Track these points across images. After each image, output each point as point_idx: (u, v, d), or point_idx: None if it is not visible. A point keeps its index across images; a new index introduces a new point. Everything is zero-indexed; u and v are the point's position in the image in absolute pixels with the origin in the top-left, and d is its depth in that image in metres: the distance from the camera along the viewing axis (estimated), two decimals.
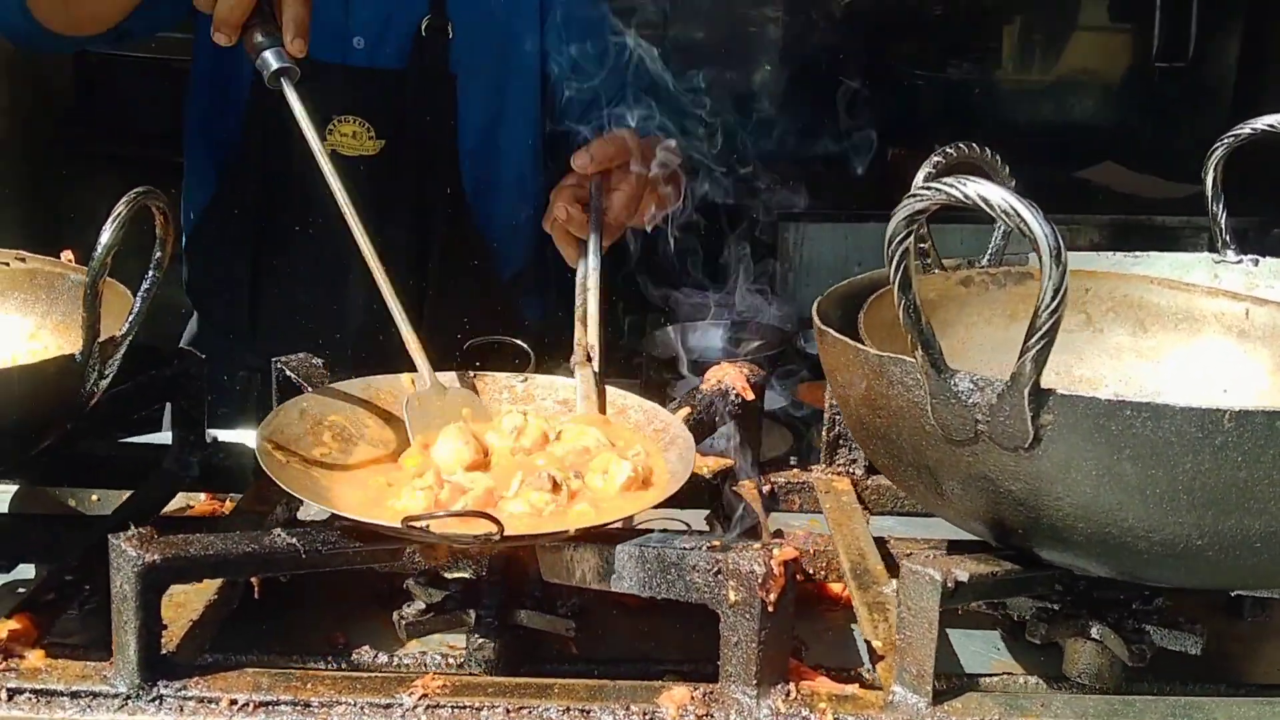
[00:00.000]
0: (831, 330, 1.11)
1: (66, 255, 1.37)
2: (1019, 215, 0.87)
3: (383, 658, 1.18)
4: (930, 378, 0.96)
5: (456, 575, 1.18)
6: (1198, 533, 0.93)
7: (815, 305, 1.21)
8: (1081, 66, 4.83)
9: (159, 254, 1.17)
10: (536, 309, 2.23)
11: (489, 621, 1.14)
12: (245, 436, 1.64)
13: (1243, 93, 4.54)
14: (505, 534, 1.03)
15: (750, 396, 1.36)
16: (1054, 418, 0.92)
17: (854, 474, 1.44)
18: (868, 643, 1.12)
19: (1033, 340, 0.89)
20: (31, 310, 1.36)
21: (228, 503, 1.52)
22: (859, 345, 1.05)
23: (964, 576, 0.99)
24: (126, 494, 1.56)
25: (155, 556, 0.95)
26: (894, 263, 0.94)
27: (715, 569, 1.00)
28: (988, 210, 0.88)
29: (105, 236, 1.06)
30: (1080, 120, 4.71)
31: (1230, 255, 1.39)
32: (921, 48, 4.69)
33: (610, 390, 1.34)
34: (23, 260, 1.37)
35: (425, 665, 1.18)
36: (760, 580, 0.97)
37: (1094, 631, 1.15)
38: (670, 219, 2.19)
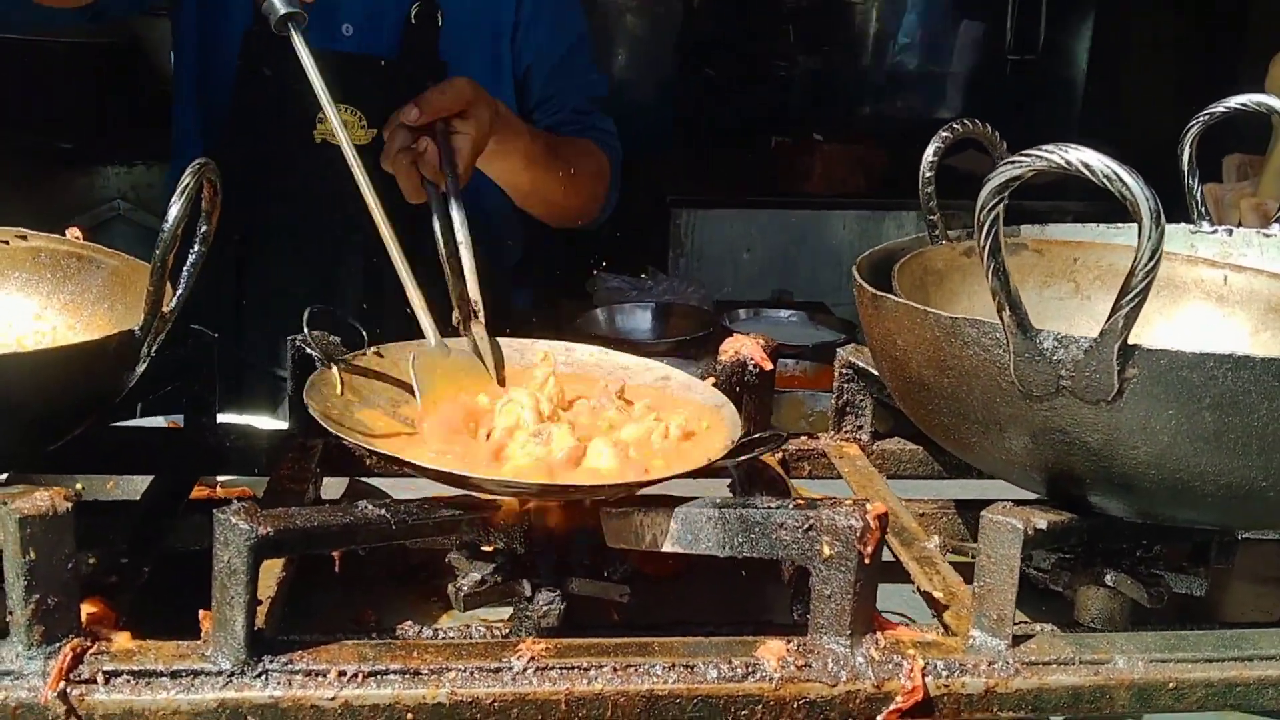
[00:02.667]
0: (892, 296, 1.15)
1: (72, 232, 1.32)
2: (1121, 180, 0.92)
3: (427, 632, 1.18)
4: (1015, 336, 1.01)
5: (494, 548, 1.19)
6: (1263, 475, 1.00)
7: (856, 273, 1.25)
8: (940, 58, 5.03)
9: (204, 228, 1.15)
10: (525, 298, 2.22)
11: (548, 589, 1.15)
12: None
13: (1094, 84, 4.78)
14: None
15: (769, 366, 1.40)
16: (1138, 371, 0.98)
17: (860, 439, 1.49)
18: (925, 594, 1.17)
19: (1126, 298, 0.95)
20: (35, 290, 1.30)
21: (219, 489, 1.49)
22: (928, 309, 1.09)
23: (1042, 525, 1.04)
24: (108, 481, 1.53)
25: (268, 529, 0.94)
26: (985, 229, 0.98)
27: (807, 526, 1.03)
28: (1088, 176, 0.93)
29: (174, 210, 1.03)
30: (941, 110, 4.90)
31: (1205, 226, 1.48)
32: (784, 40, 4.81)
33: (650, 361, 1.36)
34: (24, 238, 1.31)
35: (470, 637, 1.18)
36: (859, 534, 1.01)
37: (1108, 578, 1.23)
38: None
